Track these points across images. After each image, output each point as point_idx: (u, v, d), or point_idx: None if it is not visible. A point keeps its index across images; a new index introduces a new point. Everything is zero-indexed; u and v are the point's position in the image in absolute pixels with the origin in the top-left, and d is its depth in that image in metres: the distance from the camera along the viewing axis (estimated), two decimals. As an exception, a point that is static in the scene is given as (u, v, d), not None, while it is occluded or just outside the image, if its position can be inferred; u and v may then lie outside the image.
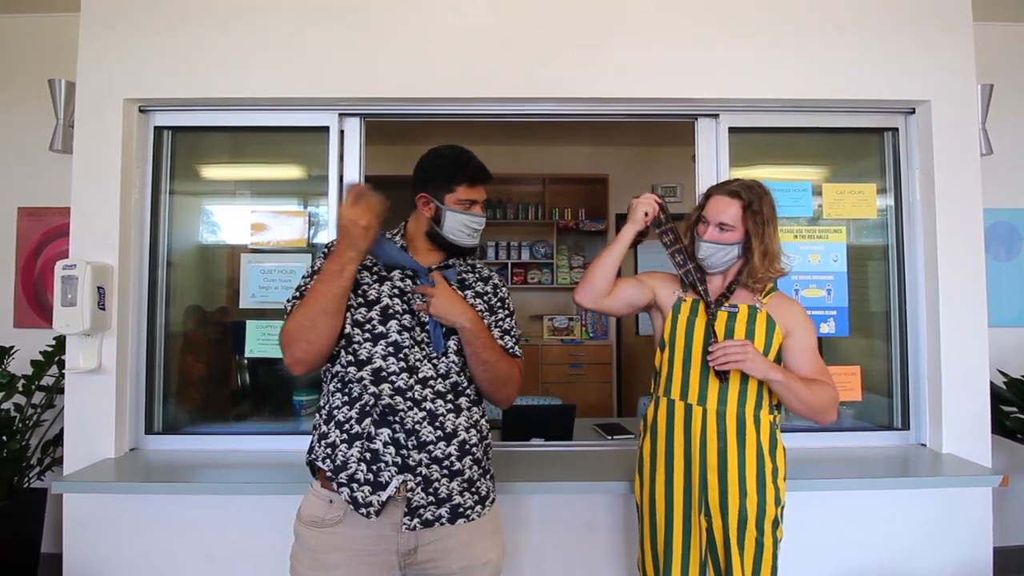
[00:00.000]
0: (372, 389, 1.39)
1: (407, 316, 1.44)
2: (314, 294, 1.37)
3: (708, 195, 1.72)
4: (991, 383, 2.31)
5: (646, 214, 1.72)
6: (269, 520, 2.07)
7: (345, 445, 1.39)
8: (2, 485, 2.55)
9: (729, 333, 1.63)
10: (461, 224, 1.49)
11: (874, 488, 2.12)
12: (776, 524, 1.62)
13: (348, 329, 1.42)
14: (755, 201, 1.62)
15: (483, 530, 1.48)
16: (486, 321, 1.51)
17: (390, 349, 1.41)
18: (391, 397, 1.39)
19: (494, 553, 1.49)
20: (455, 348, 1.46)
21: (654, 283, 1.78)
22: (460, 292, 1.51)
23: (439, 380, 1.44)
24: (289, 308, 1.44)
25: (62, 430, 2.20)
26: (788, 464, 1.68)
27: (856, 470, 2.08)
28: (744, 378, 1.62)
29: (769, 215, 1.63)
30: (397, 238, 1.53)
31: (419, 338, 1.44)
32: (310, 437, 1.49)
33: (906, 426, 2.36)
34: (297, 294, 1.46)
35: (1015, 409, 2.72)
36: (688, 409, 1.65)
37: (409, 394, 1.40)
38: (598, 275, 1.72)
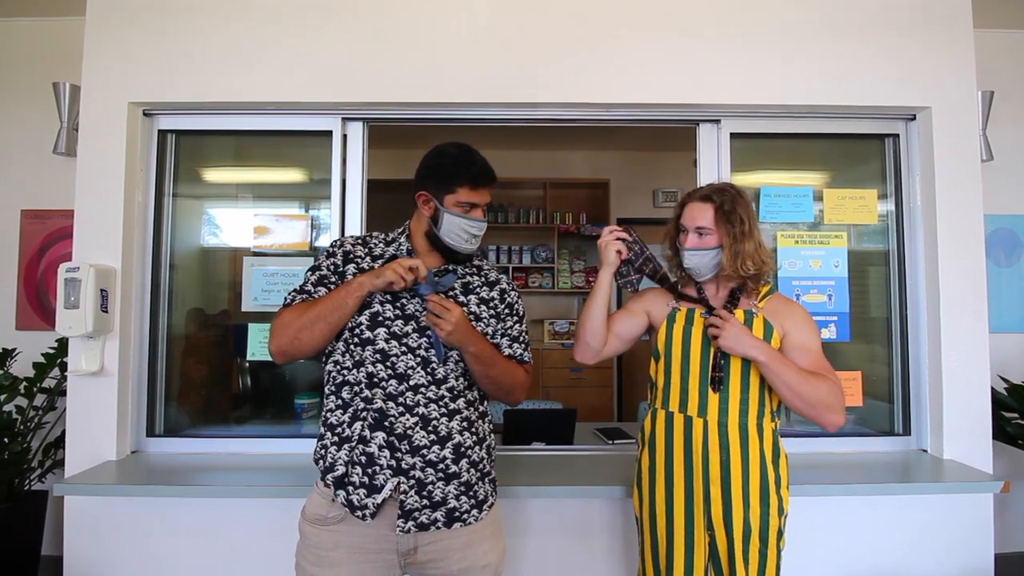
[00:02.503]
0: (366, 393, 1.40)
1: (398, 323, 1.43)
2: (322, 301, 1.41)
3: (683, 204, 1.68)
4: (992, 389, 2.31)
5: (618, 252, 1.67)
6: (270, 523, 2.07)
7: (335, 448, 1.41)
8: (3, 487, 2.56)
9: (714, 363, 1.60)
10: (459, 228, 1.46)
11: (875, 494, 2.12)
12: (780, 534, 1.60)
13: (345, 334, 1.44)
14: (727, 202, 1.59)
15: (483, 533, 1.48)
16: (491, 328, 1.51)
17: (378, 356, 1.41)
18: (384, 402, 1.39)
19: (494, 556, 1.49)
20: (456, 357, 1.45)
21: (645, 305, 1.75)
22: (464, 296, 1.51)
23: (431, 387, 1.42)
24: (289, 301, 1.46)
25: (63, 432, 2.20)
26: (789, 470, 1.67)
27: (857, 476, 2.08)
28: (744, 387, 1.59)
29: (743, 214, 1.59)
30: (402, 239, 1.53)
31: (413, 344, 1.43)
32: (311, 440, 1.52)
33: (907, 432, 2.36)
34: (298, 290, 1.48)
35: (1016, 415, 2.72)
36: (688, 421, 1.61)
37: (400, 400, 1.40)
38: (588, 334, 1.69)
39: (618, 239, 1.68)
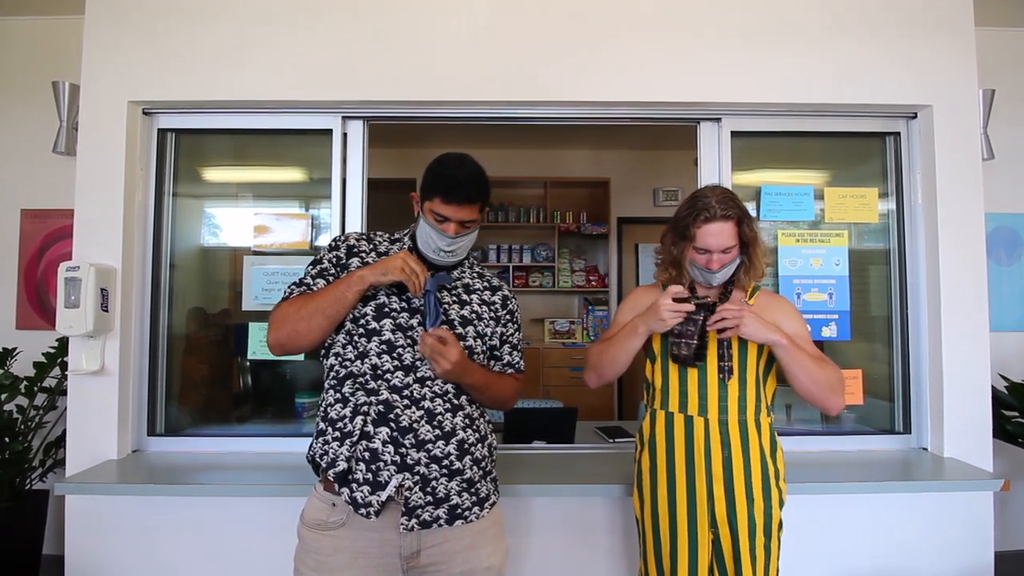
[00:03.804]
0: (371, 385, 1.40)
1: (404, 315, 1.44)
2: (321, 293, 1.41)
3: (691, 225, 1.58)
4: (992, 387, 2.31)
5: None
6: (271, 522, 2.07)
7: (336, 443, 1.41)
8: (4, 487, 2.56)
9: (721, 339, 1.61)
10: (428, 236, 1.44)
11: (875, 492, 2.12)
12: (780, 526, 1.62)
13: (348, 325, 1.44)
14: (738, 211, 1.59)
15: (486, 534, 1.48)
16: (490, 329, 1.53)
17: (384, 347, 1.41)
18: (389, 394, 1.39)
19: (496, 558, 1.49)
20: None
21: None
22: (466, 295, 1.52)
23: (437, 381, 1.43)
24: (288, 294, 1.47)
25: (64, 432, 2.20)
26: (789, 467, 1.68)
27: (857, 474, 2.08)
28: (742, 382, 1.61)
29: (749, 217, 1.61)
30: (406, 239, 1.54)
31: (418, 337, 1.43)
32: (312, 438, 1.50)
33: (907, 430, 2.36)
34: (298, 283, 1.48)
35: (1016, 413, 2.72)
36: (688, 421, 1.62)
37: (406, 392, 1.40)
38: (610, 369, 1.68)
39: (678, 311, 1.54)
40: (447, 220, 1.41)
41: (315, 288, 1.45)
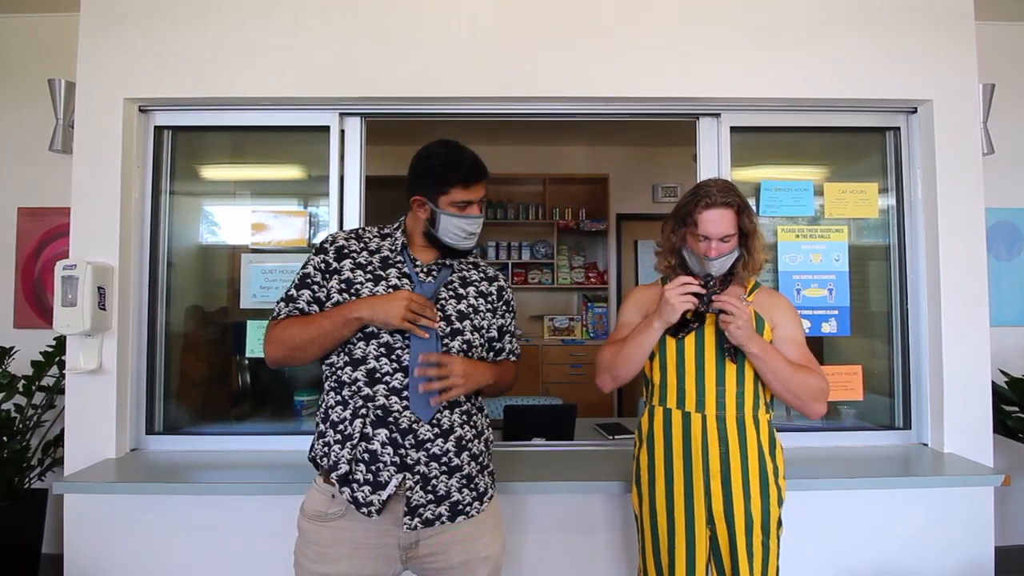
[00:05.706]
0: (366, 392, 1.40)
1: None
2: (316, 327, 1.40)
3: (692, 211, 1.60)
4: (992, 383, 2.31)
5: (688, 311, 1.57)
6: (270, 520, 2.07)
7: (338, 446, 1.41)
8: (3, 486, 2.55)
9: (719, 334, 1.60)
10: (456, 228, 1.46)
11: (875, 487, 2.12)
12: (779, 524, 1.62)
13: None
14: (739, 200, 1.60)
15: (484, 526, 1.49)
16: (487, 321, 1.53)
17: (382, 350, 1.41)
18: (386, 398, 1.39)
19: (494, 548, 1.50)
20: (457, 348, 1.46)
21: (644, 311, 1.72)
22: (463, 288, 1.52)
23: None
24: (280, 314, 1.46)
25: (63, 431, 2.20)
26: (789, 463, 1.67)
27: (858, 469, 2.08)
28: (740, 379, 1.61)
29: (749, 209, 1.62)
30: (398, 234, 1.52)
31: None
32: (311, 437, 1.51)
33: (907, 426, 2.36)
34: (285, 299, 1.48)
35: (1016, 409, 2.72)
36: (687, 417, 1.62)
37: (405, 393, 1.40)
38: (626, 372, 1.66)
39: (689, 294, 1.56)
40: (471, 203, 1.45)
41: (300, 301, 1.45)
